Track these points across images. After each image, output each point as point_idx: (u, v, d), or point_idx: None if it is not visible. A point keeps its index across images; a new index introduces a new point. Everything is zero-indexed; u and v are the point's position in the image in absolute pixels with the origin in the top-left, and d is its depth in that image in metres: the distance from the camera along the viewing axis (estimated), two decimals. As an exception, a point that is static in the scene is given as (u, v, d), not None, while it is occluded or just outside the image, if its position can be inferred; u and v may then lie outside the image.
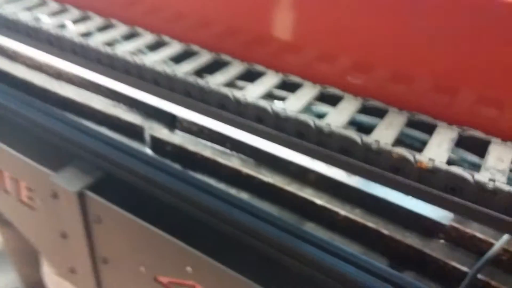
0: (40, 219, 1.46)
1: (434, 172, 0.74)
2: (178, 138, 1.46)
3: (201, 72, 1.08)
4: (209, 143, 1.45)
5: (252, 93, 0.93)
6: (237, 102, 0.92)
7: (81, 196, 1.26)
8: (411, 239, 1.18)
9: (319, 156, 0.85)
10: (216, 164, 1.39)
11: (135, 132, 1.51)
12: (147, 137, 1.50)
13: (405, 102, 0.88)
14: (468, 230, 1.15)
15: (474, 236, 1.15)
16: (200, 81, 0.97)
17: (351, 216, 1.24)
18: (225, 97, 0.94)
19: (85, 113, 1.58)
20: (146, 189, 1.24)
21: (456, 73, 0.82)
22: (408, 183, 0.77)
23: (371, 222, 1.22)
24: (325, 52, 0.97)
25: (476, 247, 1.15)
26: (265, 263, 1.15)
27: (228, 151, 1.42)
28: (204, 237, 1.21)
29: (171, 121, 1.53)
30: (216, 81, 0.97)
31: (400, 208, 1.22)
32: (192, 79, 0.99)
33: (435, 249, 1.16)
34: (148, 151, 1.47)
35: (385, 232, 1.19)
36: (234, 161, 1.37)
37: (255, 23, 1.05)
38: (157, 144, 1.47)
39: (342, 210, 1.25)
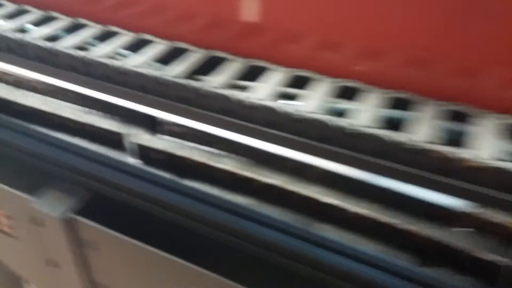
0: (25, 249, 1.32)
1: (484, 170, 0.65)
2: (162, 142, 1.32)
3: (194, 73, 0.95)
4: (197, 146, 1.32)
5: (259, 93, 0.82)
6: (242, 105, 0.81)
7: (69, 221, 1.13)
8: (436, 232, 1.10)
9: (345, 160, 0.75)
10: (210, 168, 1.27)
11: (113, 140, 1.37)
12: (127, 145, 1.36)
13: (432, 91, 0.78)
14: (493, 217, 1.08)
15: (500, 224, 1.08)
16: (196, 84, 0.85)
17: (368, 213, 1.15)
18: (227, 100, 0.82)
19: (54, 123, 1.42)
20: (142, 206, 1.12)
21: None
22: (453, 183, 0.68)
23: (390, 218, 1.13)
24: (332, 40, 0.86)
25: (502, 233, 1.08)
26: (279, 275, 1.06)
27: (219, 152, 1.30)
28: (211, 253, 1.10)
29: (152, 125, 1.39)
30: (213, 83, 0.85)
31: (416, 199, 1.14)
32: (186, 81, 0.86)
33: (462, 240, 1.08)
34: (130, 160, 1.34)
35: (411, 228, 1.11)
36: (228, 163, 1.25)
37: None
38: (140, 152, 1.33)
39: (357, 207, 1.16)
